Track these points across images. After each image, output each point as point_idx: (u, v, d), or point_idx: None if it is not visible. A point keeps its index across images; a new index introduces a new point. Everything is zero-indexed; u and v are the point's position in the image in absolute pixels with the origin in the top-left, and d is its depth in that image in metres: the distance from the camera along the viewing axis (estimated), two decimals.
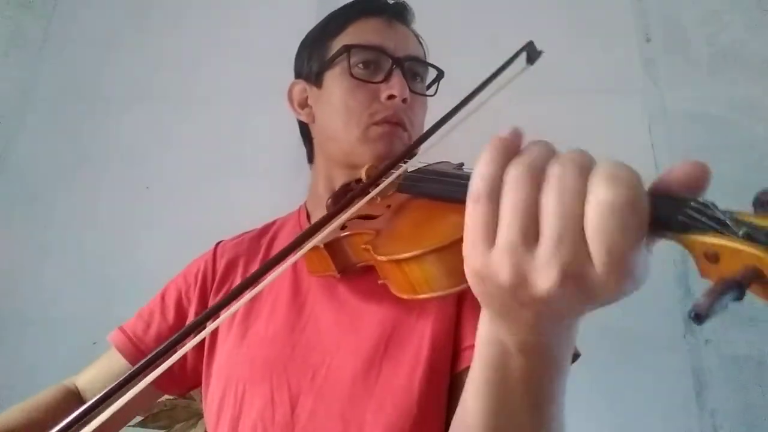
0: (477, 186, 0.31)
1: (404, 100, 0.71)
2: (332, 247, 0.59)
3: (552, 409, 0.41)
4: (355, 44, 0.73)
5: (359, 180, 0.70)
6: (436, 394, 0.59)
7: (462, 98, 0.51)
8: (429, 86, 0.81)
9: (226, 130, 1.33)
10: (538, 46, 0.56)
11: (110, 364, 0.76)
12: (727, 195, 0.29)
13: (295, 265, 0.71)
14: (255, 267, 0.75)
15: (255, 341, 0.67)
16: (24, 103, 1.39)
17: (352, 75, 0.72)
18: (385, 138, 0.71)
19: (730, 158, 1.16)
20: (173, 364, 0.69)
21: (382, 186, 0.49)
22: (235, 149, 1.30)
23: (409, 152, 0.50)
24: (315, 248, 0.59)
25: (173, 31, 1.44)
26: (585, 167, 0.29)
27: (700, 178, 0.29)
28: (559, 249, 0.28)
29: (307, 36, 0.83)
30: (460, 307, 0.63)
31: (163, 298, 0.78)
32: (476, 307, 0.61)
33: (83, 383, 0.76)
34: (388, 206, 0.56)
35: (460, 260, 0.38)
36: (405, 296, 0.44)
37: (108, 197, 1.29)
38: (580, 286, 0.29)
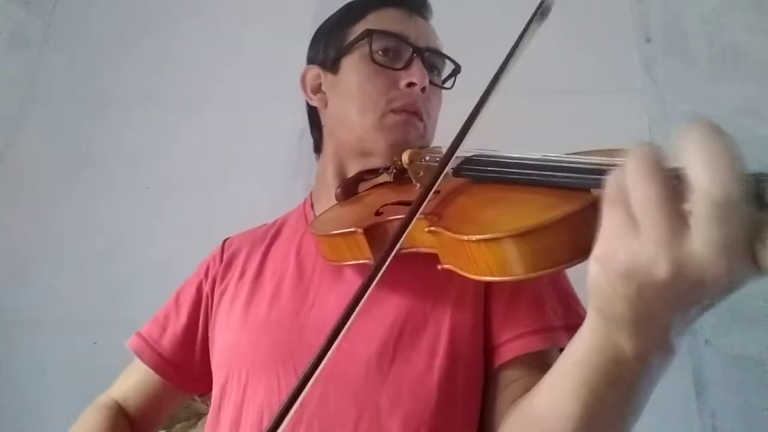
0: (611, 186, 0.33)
1: (423, 89, 0.70)
2: (372, 232, 0.55)
3: (639, 413, 0.41)
4: (378, 29, 0.72)
5: (372, 170, 0.69)
6: (461, 385, 0.58)
7: (494, 72, 0.51)
8: (445, 80, 0.80)
9: (225, 131, 1.33)
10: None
11: (138, 372, 0.76)
12: None
13: (298, 249, 0.71)
14: (257, 257, 0.74)
15: (257, 326, 0.65)
16: (24, 103, 1.39)
17: (372, 60, 0.71)
18: (401, 126, 0.70)
19: None
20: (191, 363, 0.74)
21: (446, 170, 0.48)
22: (235, 149, 1.30)
23: (466, 132, 0.48)
24: (349, 233, 0.56)
25: (174, 32, 1.44)
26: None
27: None
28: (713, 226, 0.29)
29: (323, 24, 0.81)
30: (488, 299, 0.62)
31: (177, 299, 0.78)
32: (508, 300, 0.61)
33: (120, 396, 0.76)
34: (437, 192, 0.53)
35: (554, 242, 0.39)
36: (486, 278, 0.43)
37: (108, 197, 1.29)
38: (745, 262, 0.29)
